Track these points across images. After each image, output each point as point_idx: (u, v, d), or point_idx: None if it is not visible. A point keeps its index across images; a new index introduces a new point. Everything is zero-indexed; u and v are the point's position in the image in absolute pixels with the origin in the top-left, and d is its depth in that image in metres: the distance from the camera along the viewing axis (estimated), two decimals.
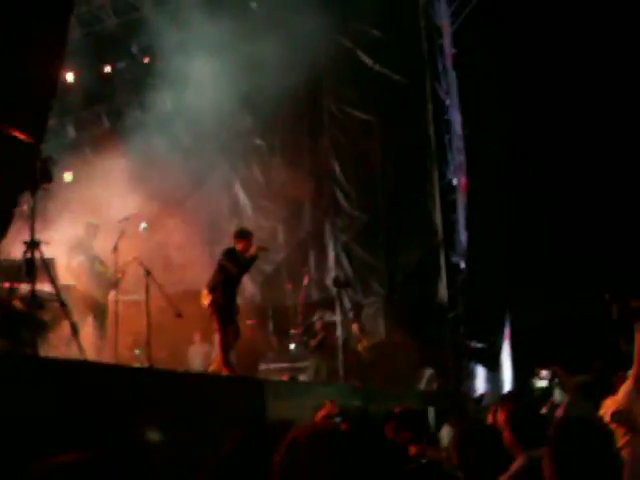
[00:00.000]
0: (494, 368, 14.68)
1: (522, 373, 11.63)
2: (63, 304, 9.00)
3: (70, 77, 15.25)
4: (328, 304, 15.01)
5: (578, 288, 14.44)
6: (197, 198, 17.41)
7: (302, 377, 13.97)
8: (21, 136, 8.29)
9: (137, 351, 13.37)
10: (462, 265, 15.19)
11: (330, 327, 14.57)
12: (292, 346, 14.83)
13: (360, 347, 14.20)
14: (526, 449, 4.95)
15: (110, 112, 17.10)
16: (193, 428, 6.97)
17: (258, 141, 17.74)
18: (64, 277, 10.93)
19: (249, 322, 15.24)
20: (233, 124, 17.18)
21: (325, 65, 16.61)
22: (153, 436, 6.52)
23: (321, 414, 6.87)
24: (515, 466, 4.87)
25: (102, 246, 11.71)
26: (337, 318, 14.41)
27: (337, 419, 6.64)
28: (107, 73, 16.28)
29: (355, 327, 14.42)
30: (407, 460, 5.53)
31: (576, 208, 15.19)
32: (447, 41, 15.82)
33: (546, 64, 15.00)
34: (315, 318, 14.88)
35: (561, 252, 15.13)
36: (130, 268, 11.97)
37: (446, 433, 9.16)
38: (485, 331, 14.89)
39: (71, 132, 16.01)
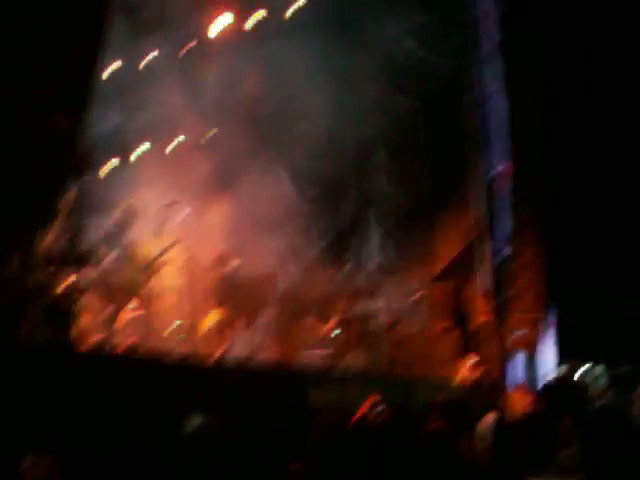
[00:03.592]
0: (537, 357, 14.53)
1: (566, 361, 11.49)
2: (105, 291, 9.09)
3: (115, 64, 15.26)
4: (370, 291, 14.96)
5: (627, 275, 14.26)
6: (240, 185, 17.40)
7: (343, 365, 13.95)
8: (63, 124, 8.33)
9: (181, 337, 13.42)
10: (506, 252, 15.03)
11: (372, 315, 14.55)
12: (334, 333, 14.79)
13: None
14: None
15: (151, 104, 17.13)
16: (235, 415, 6.96)
17: (302, 127, 17.68)
18: (107, 264, 11.00)
19: (291, 309, 15.26)
20: (276, 109, 17.15)
21: (366, 50, 16.49)
22: (194, 423, 6.52)
23: (366, 405, 6.85)
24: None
25: (145, 231, 11.73)
26: (379, 305, 14.39)
27: (379, 409, 6.61)
28: (152, 59, 16.24)
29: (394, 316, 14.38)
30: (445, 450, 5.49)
31: (625, 192, 14.95)
32: (492, 26, 15.63)
33: (596, 48, 14.75)
34: (356, 306, 14.86)
35: (609, 239, 14.91)
36: (172, 253, 12.01)
37: (489, 423, 9.08)
38: (529, 319, 14.74)
39: (115, 119, 16.02)
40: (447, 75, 15.85)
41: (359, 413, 6.26)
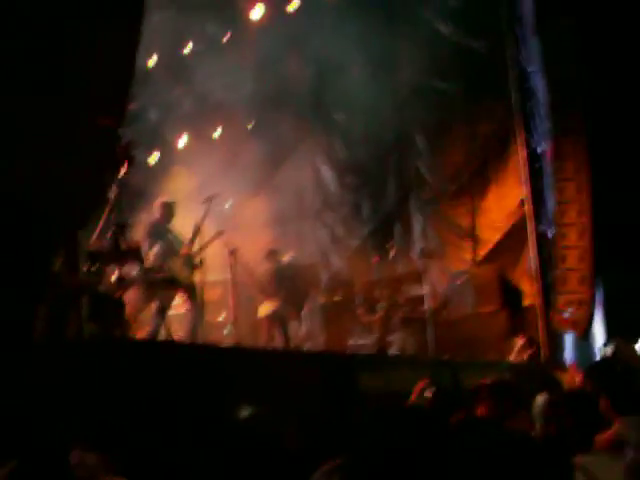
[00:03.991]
0: (585, 336, 14.41)
1: (611, 341, 11.35)
2: (150, 286, 9.13)
3: (152, 61, 15.30)
4: (415, 277, 14.93)
5: None
6: (281, 175, 17.44)
7: (390, 351, 13.94)
8: (101, 121, 8.36)
9: (225, 330, 13.46)
10: (550, 234, 14.92)
11: (417, 300, 14.51)
12: (381, 319, 14.74)
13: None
14: (622, 414, 4.88)
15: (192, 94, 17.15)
16: (283, 404, 6.97)
17: (339, 116, 17.66)
18: (152, 259, 11.04)
19: (336, 297, 15.28)
20: (314, 99, 17.17)
21: (403, 35, 16.40)
22: (242, 413, 6.54)
23: (417, 389, 6.81)
24: (611, 432, 4.81)
25: (185, 226, 11.75)
26: (425, 290, 14.34)
27: (427, 393, 6.58)
28: (187, 54, 16.25)
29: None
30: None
31: None
32: (528, 6, 15.48)
33: (635, 25, 14.54)
34: (402, 292, 14.85)
35: None
36: (215, 247, 12.02)
37: (540, 403, 9.02)
38: (576, 299, 14.63)
39: (153, 115, 16.09)
40: (486, 57, 15.74)
41: (410, 398, 6.24)
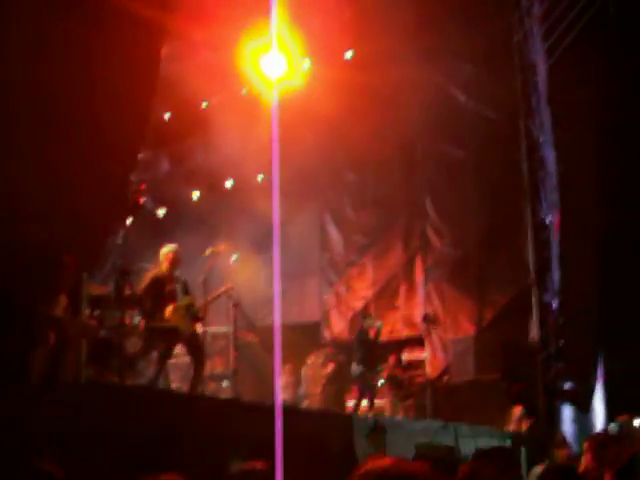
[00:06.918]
0: (585, 410, 14.29)
1: (615, 415, 11.25)
2: (150, 334, 9.06)
3: (167, 115, 15.42)
4: (419, 340, 14.88)
5: None
6: (288, 232, 17.43)
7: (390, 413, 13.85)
8: (112, 167, 8.40)
9: (224, 383, 13.38)
10: (555, 304, 14.86)
11: (418, 364, 14.43)
12: (380, 382, 14.63)
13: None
14: None
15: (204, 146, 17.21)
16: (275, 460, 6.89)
17: (350, 176, 17.71)
18: (154, 307, 10.98)
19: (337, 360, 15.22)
20: (325, 159, 17.23)
21: (418, 102, 16.50)
22: (236, 467, 6.46)
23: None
24: None
25: (189, 276, 11.66)
26: (425, 355, 14.27)
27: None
28: (203, 109, 16.35)
29: None
30: None
31: None
32: (541, 77, 15.60)
33: None
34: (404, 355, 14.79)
35: None
36: (218, 300, 11.96)
37: (536, 475, 8.93)
38: (577, 372, 14.54)
39: (165, 165, 16.15)
40: (497, 126, 15.80)
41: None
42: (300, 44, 13.77)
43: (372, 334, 14.34)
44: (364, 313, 15.95)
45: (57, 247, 8.08)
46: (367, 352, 14.02)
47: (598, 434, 8.93)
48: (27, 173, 7.69)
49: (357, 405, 13.86)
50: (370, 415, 13.35)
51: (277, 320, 6.74)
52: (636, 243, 14.32)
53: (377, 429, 9.61)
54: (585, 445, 6.43)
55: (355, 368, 13.92)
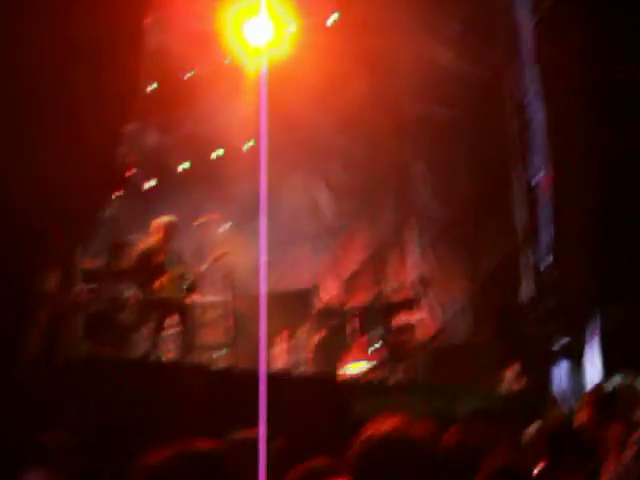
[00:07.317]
0: (581, 366, 14.35)
1: (611, 371, 11.29)
2: (143, 306, 9.07)
3: (152, 86, 15.30)
4: (413, 302, 14.89)
5: None
6: (278, 199, 17.38)
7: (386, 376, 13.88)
8: (102, 142, 8.36)
9: (220, 352, 13.41)
10: (547, 262, 14.90)
11: (415, 326, 14.47)
12: (376, 345, 14.65)
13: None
14: None
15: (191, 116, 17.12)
16: (278, 427, 6.93)
17: (339, 140, 17.64)
18: (147, 279, 10.98)
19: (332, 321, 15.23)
20: (314, 122, 17.13)
21: (405, 64, 16.43)
22: (233, 436, 6.49)
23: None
24: None
25: (183, 247, 11.68)
26: (422, 316, 14.30)
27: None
28: (188, 78, 16.24)
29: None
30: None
31: None
32: (527, 35, 15.54)
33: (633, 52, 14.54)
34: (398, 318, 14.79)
35: None
36: (213, 268, 11.97)
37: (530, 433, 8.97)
38: (572, 329, 14.58)
39: (153, 137, 16.06)
40: (486, 84, 15.75)
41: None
42: (286, 9, 13.72)
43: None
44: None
45: (43, 220, 8.05)
46: None
47: (599, 387, 8.97)
48: (9, 149, 7.65)
49: (351, 369, 13.92)
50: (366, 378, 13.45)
51: (263, 289, 6.67)
52: (629, 195, 14.31)
53: (375, 391, 9.67)
54: (585, 398, 6.45)
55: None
